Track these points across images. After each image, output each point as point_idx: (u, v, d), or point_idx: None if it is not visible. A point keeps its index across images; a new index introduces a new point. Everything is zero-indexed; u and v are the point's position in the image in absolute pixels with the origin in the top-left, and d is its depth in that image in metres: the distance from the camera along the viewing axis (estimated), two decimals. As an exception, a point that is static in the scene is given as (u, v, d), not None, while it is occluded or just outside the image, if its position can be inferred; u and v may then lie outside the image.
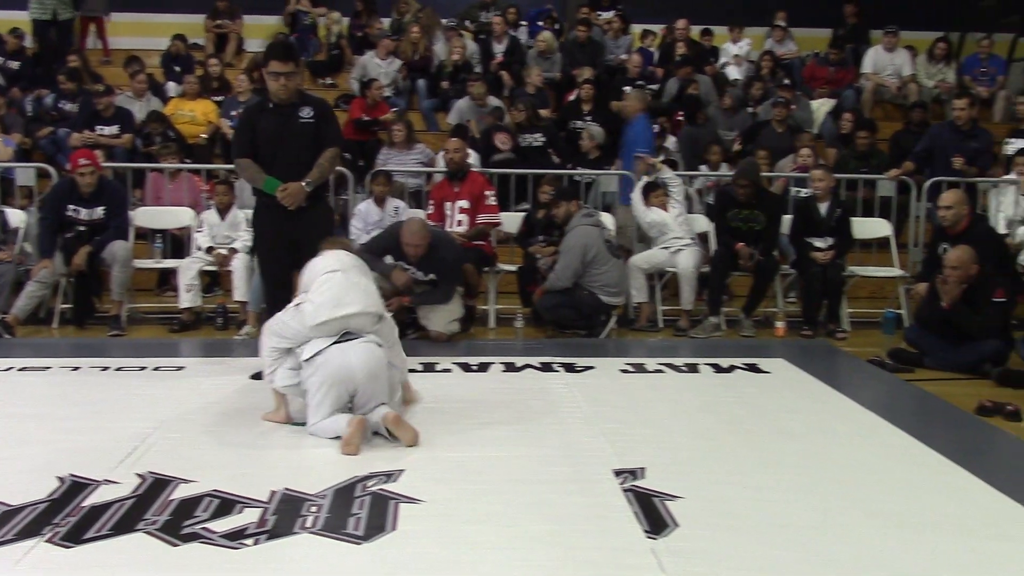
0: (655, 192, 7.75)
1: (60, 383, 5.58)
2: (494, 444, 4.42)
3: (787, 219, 7.88)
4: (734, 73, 11.95)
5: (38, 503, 3.56)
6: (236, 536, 3.31)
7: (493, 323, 7.59)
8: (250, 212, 7.52)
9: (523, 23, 12.57)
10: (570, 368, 6.01)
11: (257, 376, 5.48)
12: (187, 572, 3.05)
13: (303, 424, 4.50)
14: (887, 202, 8.59)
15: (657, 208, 7.73)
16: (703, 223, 8.23)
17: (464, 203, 7.54)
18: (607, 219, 7.90)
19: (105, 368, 5.89)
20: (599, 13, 12.55)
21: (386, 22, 12.36)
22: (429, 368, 6.00)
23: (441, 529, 3.40)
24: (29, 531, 3.32)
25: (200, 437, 4.47)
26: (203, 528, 3.37)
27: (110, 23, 12.54)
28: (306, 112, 5.51)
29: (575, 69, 11.20)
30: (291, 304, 4.61)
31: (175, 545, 3.23)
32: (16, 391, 5.39)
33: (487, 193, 7.61)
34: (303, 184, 5.40)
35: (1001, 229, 8.10)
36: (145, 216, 8.15)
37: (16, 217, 7.81)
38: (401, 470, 3.98)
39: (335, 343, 4.38)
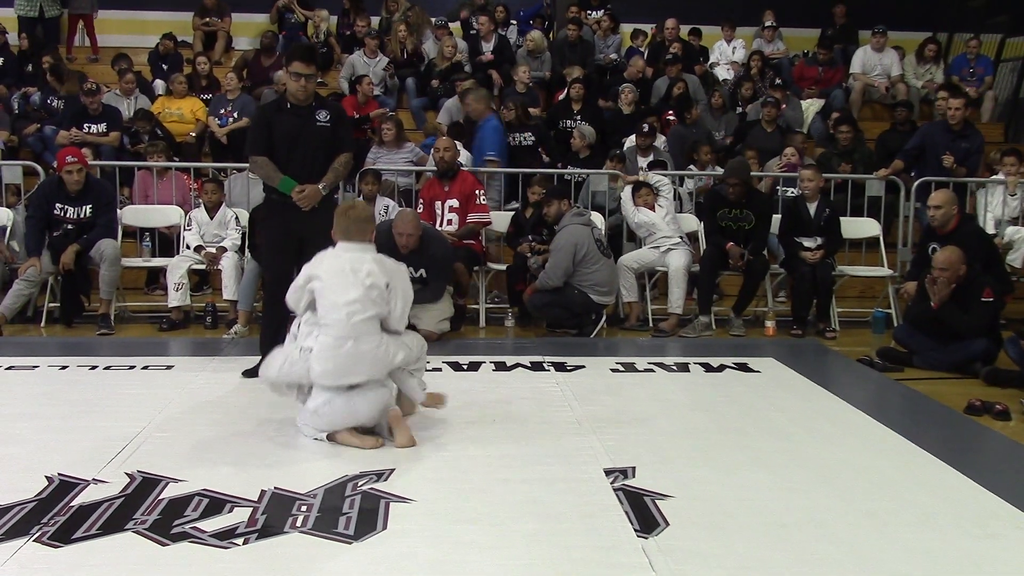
0: (641, 192, 7.76)
1: (48, 382, 5.55)
2: (484, 443, 4.41)
3: (776, 219, 7.90)
4: (724, 73, 11.97)
5: (26, 503, 3.54)
6: (226, 535, 3.30)
7: (483, 322, 7.58)
8: (239, 210, 7.54)
9: (513, 22, 12.56)
10: (561, 367, 6.01)
11: (248, 373, 5.47)
12: (177, 572, 3.03)
13: None
14: (876, 202, 8.61)
15: (645, 208, 7.73)
16: (693, 223, 8.24)
17: (454, 202, 7.53)
18: (597, 218, 7.90)
19: (94, 367, 5.86)
20: (589, 12, 12.55)
21: (375, 20, 12.33)
22: (419, 367, 5.98)
23: (431, 528, 3.39)
24: (17, 531, 3.30)
25: (189, 436, 4.45)
26: (193, 527, 3.36)
27: (98, 20, 12.47)
28: (323, 115, 5.60)
29: (565, 68, 11.21)
30: (294, 334, 4.50)
31: (164, 545, 3.22)
32: (4, 390, 5.36)
33: (477, 192, 7.60)
34: (320, 187, 5.51)
35: (990, 229, 8.14)
36: (133, 215, 8.12)
37: (3, 215, 7.77)
38: (391, 469, 3.98)
39: (341, 392, 4.30)
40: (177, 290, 7.34)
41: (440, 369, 5.95)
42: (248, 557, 3.15)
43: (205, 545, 3.23)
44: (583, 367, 6.04)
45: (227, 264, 7.28)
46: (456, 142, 8.23)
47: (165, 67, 11.38)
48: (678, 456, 4.28)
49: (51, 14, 11.80)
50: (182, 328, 7.32)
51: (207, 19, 12.28)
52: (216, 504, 3.57)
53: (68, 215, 7.21)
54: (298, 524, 3.41)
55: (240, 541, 3.26)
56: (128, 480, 3.81)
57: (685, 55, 11.41)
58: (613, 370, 6.02)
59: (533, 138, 9.43)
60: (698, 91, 10.81)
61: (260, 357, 5.50)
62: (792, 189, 8.54)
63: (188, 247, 7.57)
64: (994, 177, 8.61)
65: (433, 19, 12.14)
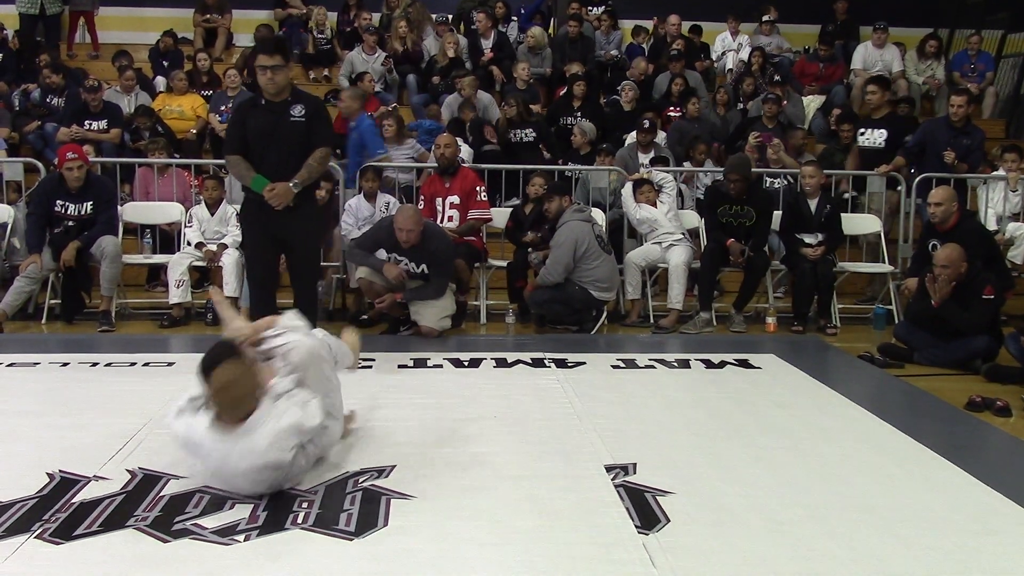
0: (643, 189, 7.76)
1: (49, 379, 5.56)
2: (485, 440, 4.41)
3: (777, 215, 7.90)
4: (730, 63, 11.95)
5: (27, 499, 3.54)
6: (227, 532, 3.30)
7: (484, 319, 7.59)
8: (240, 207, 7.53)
9: (513, 18, 12.55)
10: (561, 364, 6.01)
11: None
12: (178, 568, 3.03)
13: None
14: (877, 198, 8.60)
15: (646, 204, 7.73)
16: (694, 219, 8.23)
17: (455, 199, 7.53)
18: (598, 215, 7.90)
19: (95, 364, 5.87)
20: (589, 9, 12.55)
21: (376, 17, 12.33)
22: (420, 364, 5.99)
23: (432, 525, 3.39)
24: (19, 528, 3.31)
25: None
26: (194, 524, 3.36)
27: (99, 17, 12.47)
28: (297, 110, 5.40)
29: (565, 65, 11.20)
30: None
31: (166, 541, 3.22)
32: (5, 387, 5.36)
33: (478, 189, 7.60)
34: (290, 184, 5.31)
35: (991, 225, 8.13)
36: (134, 211, 8.13)
37: (3, 212, 7.77)
38: (392, 466, 3.98)
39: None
40: (178, 287, 7.34)
41: (441, 366, 5.95)
42: (249, 554, 3.16)
43: (206, 542, 3.23)
44: (584, 364, 6.04)
45: (228, 261, 7.28)
46: (457, 139, 8.24)
47: (166, 64, 11.39)
48: (679, 452, 4.29)
49: (52, 11, 11.80)
50: (183, 325, 7.32)
51: (208, 16, 12.27)
52: (217, 501, 3.57)
53: (69, 212, 7.21)
54: (299, 521, 3.41)
55: (241, 538, 3.27)
56: (129, 477, 3.82)
57: (687, 51, 11.40)
58: (614, 367, 6.02)
59: (534, 134, 9.44)
60: (700, 87, 10.80)
61: None
62: (776, 180, 8.57)
63: (189, 244, 7.57)
64: (995, 173, 8.60)
65: (434, 15, 12.14)
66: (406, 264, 6.68)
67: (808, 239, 7.60)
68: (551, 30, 12.49)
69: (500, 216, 8.01)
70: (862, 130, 8.91)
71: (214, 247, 7.43)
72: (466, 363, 6.04)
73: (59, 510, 3.44)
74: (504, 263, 7.77)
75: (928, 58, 11.66)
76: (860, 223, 8.35)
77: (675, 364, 6.14)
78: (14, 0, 11.69)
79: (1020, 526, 3.50)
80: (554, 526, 3.40)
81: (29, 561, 3.08)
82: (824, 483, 3.91)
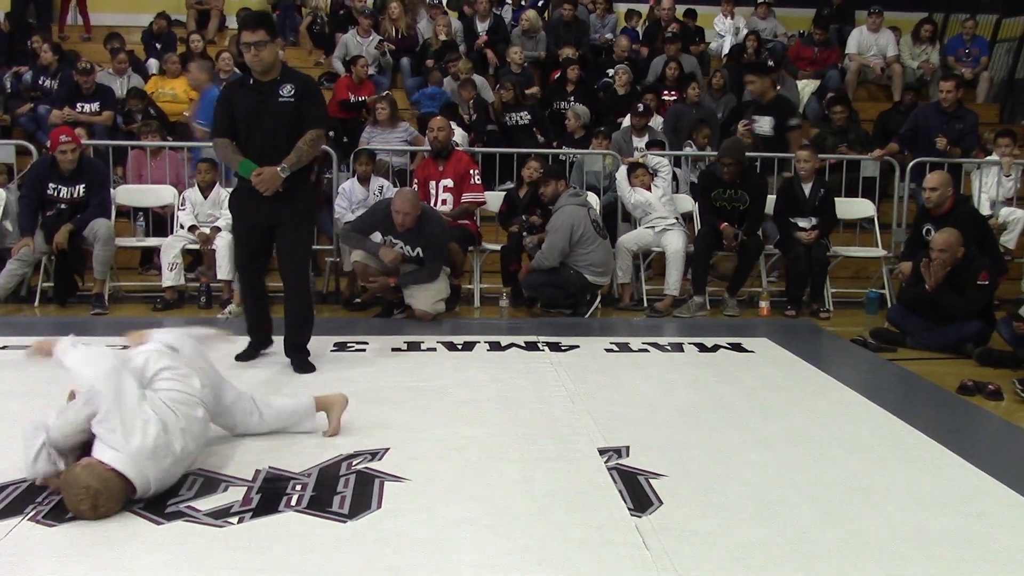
0: (638, 172, 7.75)
1: (42, 362, 5.52)
2: (479, 423, 4.42)
3: (771, 199, 7.89)
4: (727, 46, 11.92)
5: (21, 482, 3.53)
6: (221, 514, 3.31)
7: (478, 302, 7.59)
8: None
9: (508, 2, 12.50)
10: (555, 347, 6.02)
11: (241, 357, 5.47)
12: (172, 550, 3.04)
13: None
14: (871, 182, 8.61)
15: (641, 188, 7.73)
16: (688, 203, 8.23)
17: (448, 182, 7.51)
18: (593, 199, 7.90)
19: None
20: (584, -8, 12.50)
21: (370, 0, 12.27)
22: (414, 347, 5.99)
23: (425, 507, 3.40)
24: (12, 510, 3.31)
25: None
26: (187, 506, 3.36)
27: (90, -1, 12.41)
28: (287, 90, 5.12)
29: (560, 48, 11.17)
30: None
31: (159, 524, 3.22)
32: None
33: (472, 172, 7.58)
34: (278, 169, 5.06)
35: (984, 210, 8.14)
36: (127, 194, 8.10)
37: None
38: (386, 449, 3.98)
39: None
40: (171, 270, 7.32)
41: (435, 349, 5.95)
42: (243, 536, 3.16)
43: (200, 524, 3.23)
44: (577, 347, 6.04)
45: (221, 244, 7.26)
46: (451, 122, 8.22)
47: (159, 46, 11.32)
48: (672, 436, 4.30)
49: (44, -7, 11.73)
50: (176, 308, 7.31)
51: (201, -2, 12.20)
52: (211, 483, 3.57)
53: (61, 195, 7.18)
54: (293, 503, 3.42)
55: (235, 520, 3.27)
56: (123, 459, 3.81)
57: (683, 35, 11.37)
58: (607, 350, 6.03)
59: (529, 117, 9.42)
60: (696, 70, 10.77)
61: (249, 340, 5.56)
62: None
63: (182, 227, 7.55)
64: (989, 158, 8.60)
65: (427, -1, 12.11)
66: (401, 247, 6.67)
67: (802, 223, 7.61)
68: (546, 14, 12.45)
69: (494, 199, 7.99)
70: (755, 117, 8.68)
71: (207, 230, 7.41)
72: (460, 346, 6.04)
73: (52, 492, 3.44)
74: (498, 247, 7.76)
75: (923, 42, 11.64)
76: (854, 207, 8.36)
77: (668, 348, 6.15)
78: (5, -19, 11.62)
79: (1010, 508, 3.52)
80: (547, 508, 3.41)
81: (22, 543, 3.08)
82: (816, 466, 3.92)
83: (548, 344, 6.08)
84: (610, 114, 9.90)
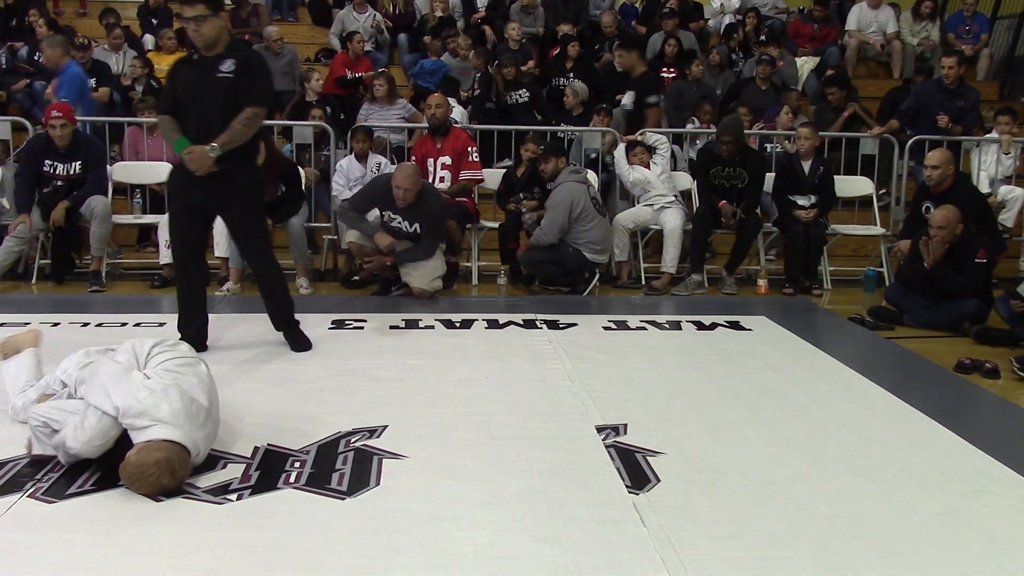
0: (636, 150, 7.73)
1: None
2: (477, 401, 4.42)
3: (770, 177, 7.89)
4: (727, 20, 11.86)
5: (20, 459, 3.54)
6: (220, 491, 3.31)
7: (476, 280, 7.58)
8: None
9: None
10: (553, 325, 6.02)
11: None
12: (171, 527, 3.04)
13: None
14: (870, 160, 8.60)
15: (639, 166, 7.71)
16: (686, 181, 8.21)
17: (446, 159, 7.48)
18: (592, 176, 7.88)
19: (85, 324, 5.86)
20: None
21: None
22: (412, 325, 5.99)
23: (423, 485, 3.41)
24: (12, 487, 3.32)
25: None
26: (187, 484, 3.36)
27: (86, -26, 12.30)
28: (227, 65, 4.85)
29: (558, 25, 11.11)
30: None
31: (158, 501, 3.22)
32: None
33: (470, 149, 7.56)
34: (207, 148, 4.78)
35: (984, 188, 8.13)
36: (123, 171, 8.07)
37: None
38: (384, 426, 3.99)
39: None
40: (168, 247, 7.28)
41: (433, 327, 5.95)
42: (241, 513, 3.17)
43: (199, 501, 3.24)
44: (576, 325, 6.05)
45: (219, 221, 7.22)
46: (449, 98, 8.18)
47: (154, 22, 11.24)
48: (670, 413, 4.31)
49: (39, -33, 11.61)
50: (174, 285, 7.27)
51: (197, -27, 12.07)
52: (209, 460, 3.56)
53: (58, 171, 7.15)
54: (291, 480, 3.43)
55: (234, 497, 3.28)
56: (121, 437, 3.81)
57: (681, 11, 11.31)
58: (605, 328, 6.03)
59: (528, 95, 9.38)
60: (694, 47, 10.72)
61: (181, 330, 5.22)
62: (779, 146, 8.55)
63: (180, 204, 7.51)
64: (988, 136, 8.58)
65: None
66: (399, 222, 6.66)
67: (801, 201, 7.60)
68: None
69: (492, 177, 7.97)
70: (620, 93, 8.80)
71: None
72: (458, 324, 6.04)
73: (52, 469, 3.44)
74: (496, 224, 7.74)
75: (923, 19, 11.59)
76: (853, 185, 8.34)
77: (666, 325, 6.16)
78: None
79: (1007, 486, 3.53)
80: (545, 486, 3.42)
81: (22, 520, 3.09)
82: (813, 444, 3.94)
83: (546, 322, 6.09)
84: (609, 91, 9.85)
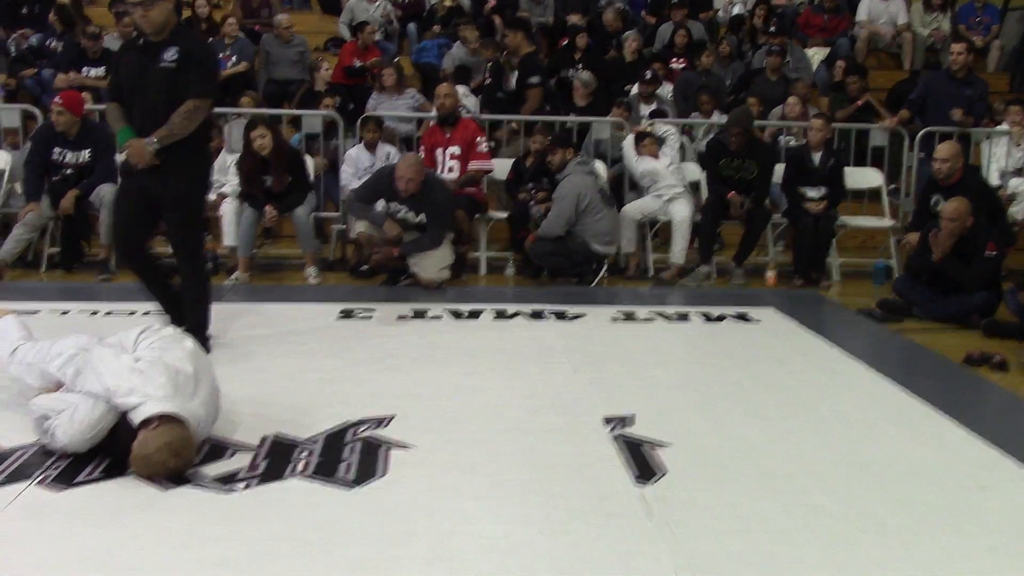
0: (645, 141, 7.71)
1: (49, 327, 5.54)
2: (484, 392, 4.43)
3: (780, 168, 7.86)
4: (737, 9, 11.80)
5: (27, 447, 3.56)
6: (227, 480, 3.33)
7: (484, 270, 7.58)
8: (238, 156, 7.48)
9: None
10: (561, 316, 6.02)
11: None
12: (178, 516, 3.06)
13: None
14: (879, 152, 8.56)
15: (648, 157, 7.69)
16: (695, 172, 8.19)
17: (455, 149, 7.48)
18: (600, 167, 7.86)
19: (94, 312, 5.88)
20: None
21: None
22: (420, 315, 6.00)
23: (430, 476, 3.42)
24: (19, 475, 3.34)
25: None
26: (194, 472, 3.38)
27: (95, -39, 12.27)
28: (170, 53, 4.63)
29: (567, 15, 11.08)
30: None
31: (166, 489, 3.24)
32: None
33: (479, 139, 7.55)
34: (145, 142, 4.64)
35: (994, 180, 8.10)
36: (133, 160, 8.06)
37: (2, 159, 7.73)
38: (392, 416, 4.00)
39: None
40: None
41: (441, 317, 5.96)
42: (249, 502, 3.19)
43: (206, 489, 3.26)
44: (583, 316, 6.05)
45: (227, 210, 7.25)
46: (458, 88, 8.16)
47: (163, 10, 11.21)
48: (677, 405, 4.31)
49: (48, -46, 11.60)
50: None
51: (207, -39, 12.06)
52: (217, 449, 3.59)
53: (67, 160, 7.16)
54: (299, 470, 3.44)
55: (241, 486, 3.29)
56: (130, 425, 3.83)
57: (691, 1, 11.26)
58: (613, 319, 6.03)
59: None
60: (704, 37, 10.68)
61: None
62: (792, 138, 8.53)
63: (188, 193, 7.52)
64: (999, 128, 8.54)
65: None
66: (405, 212, 6.66)
67: (811, 192, 7.57)
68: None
69: (501, 167, 7.97)
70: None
71: (213, 196, 7.39)
72: (466, 314, 6.05)
73: (60, 458, 3.46)
74: (504, 215, 7.74)
75: (934, 10, 11.50)
76: (862, 176, 8.31)
77: (674, 317, 6.15)
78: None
79: (1015, 481, 3.53)
80: (551, 478, 3.42)
81: (30, 508, 3.11)
82: (819, 438, 3.93)
83: (554, 313, 6.09)
84: (618, 81, 9.82)
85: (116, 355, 3.48)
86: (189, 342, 3.75)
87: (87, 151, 7.18)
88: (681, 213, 7.47)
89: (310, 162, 7.70)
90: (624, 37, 10.32)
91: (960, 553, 2.95)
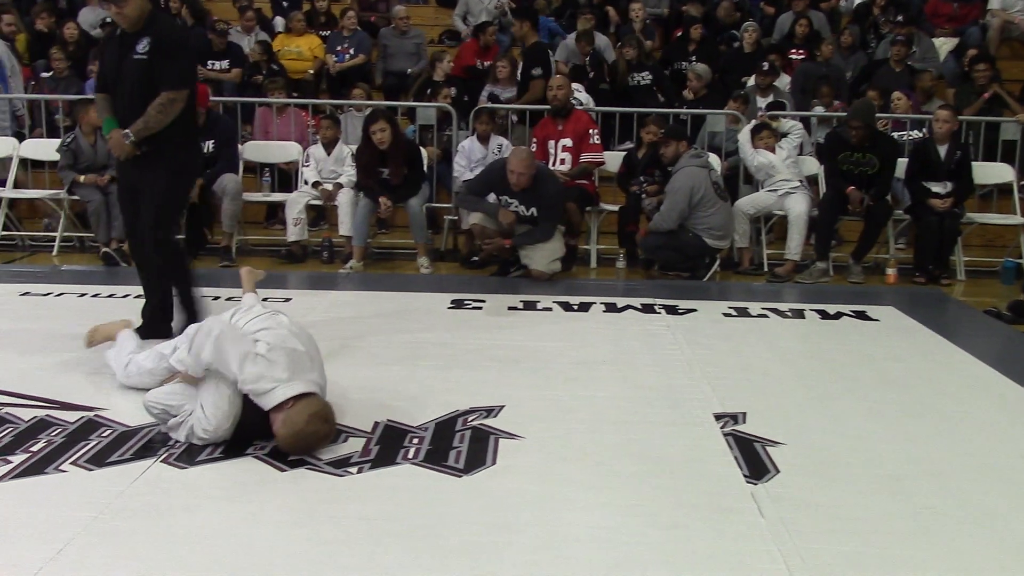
0: (763, 134, 7.56)
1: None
2: (593, 384, 4.41)
3: (902, 162, 7.60)
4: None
5: (154, 426, 3.69)
6: (341, 464, 3.40)
7: (595, 263, 7.55)
8: (355, 147, 7.62)
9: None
10: (672, 310, 5.95)
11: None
12: (293, 495, 3.14)
13: None
14: (1011, 146, 8.20)
15: (764, 150, 7.54)
16: (813, 166, 7.99)
17: (567, 141, 7.47)
18: (714, 160, 7.75)
19: (216, 298, 6.05)
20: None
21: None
22: (530, 306, 6.02)
23: (539, 466, 3.42)
24: (145, 452, 3.48)
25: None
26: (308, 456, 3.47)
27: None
28: (142, 45, 4.59)
29: (683, 6, 10.93)
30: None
31: (283, 470, 3.33)
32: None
33: (591, 132, 7.52)
34: (122, 135, 4.66)
35: None
36: (254, 150, 8.32)
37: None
38: (501, 406, 4.02)
39: None
40: (295, 225, 7.51)
41: (551, 309, 5.96)
42: (362, 485, 3.25)
43: (321, 472, 3.33)
44: (695, 311, 5.97)
45: (343, 200, 7.40)
46: (573, 83, 8.14)
47: (285, 4, 11.54)
48: (790, 403, 4.21)
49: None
50: (300, 262, 7.50)
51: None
52: (332, 433, 3.68)
53: (192, 150, 7.41)
54: (410, 456, 3.49)
55: (354, 470, 3.36)
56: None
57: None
58: (725, 315, 5.94)
59: (650, 77, 9.27)
60: (823, 28, 10.42)
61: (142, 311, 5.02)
62: (916, 132, 8.24)
63: (306, 183, 7.73)
64: None
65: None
66: (516, 206, 6.69)
67: (936, 188, 7.30)
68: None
69: (613, 160, 7.92)
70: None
71: (330, 186, 7.57)
72: (575, 307, 6.03)
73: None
74: (616, 207, 7.70)
75: (1074, -4, 10.95)
76: (992, 171, 7.98)
77: (789, 314, 6.02)
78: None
79: None
80: (660, 472, 3.39)
81: (155, 483, 3.23)
82: (941, 440, 3.79)
83: (665, 307, 6.02)
84: (734, 73, 9.66)
85: (234, 343, 3.56)
86: (282, 317, 3.84)
87: (211, 142, 7.42)
88: (797, 208, 7.30)
89: (424, 153, 7.79)
90: (744, 28, 10.12)
91: (1094, 566, 2.81)
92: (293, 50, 10.22)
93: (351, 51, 10.09)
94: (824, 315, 5.99)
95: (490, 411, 3.97)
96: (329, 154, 7.75)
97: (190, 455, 3.43)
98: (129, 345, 4.28)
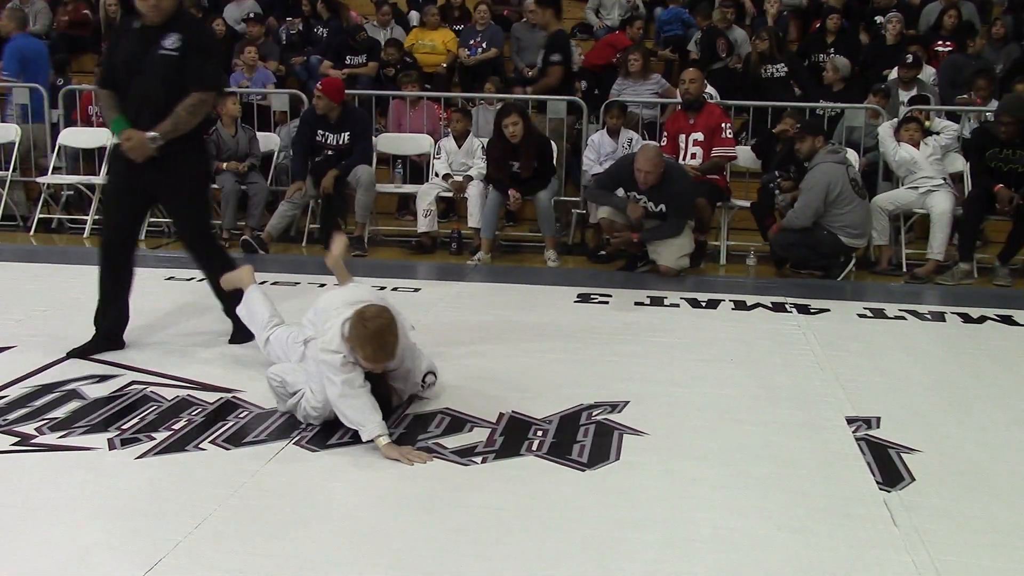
0: (909, 127, 7.27)
1: (309, 298, 5.92)
2: (721, 382, 4.35)
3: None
4: None
5: (287, 412, 3.81)
6: (466, 453, 3.45)
7: (724, 260, 7.43)
8: (485, 140, 7.69)
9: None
10: (804, 310, 5.81)
11: (76, 353, 4.60)
12: (420, 482, 3.21)
13: None
14: None
15: (907, 145, 7.26)
16: (958, 163, 7.66)
17: (699, 135, 7.36)
18: (852, 156, 7.51)
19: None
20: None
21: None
22: (657, 302, 5.96)
23: (663, 463, 3.40)
24: (280, 434, 3.61)
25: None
26: (435, 443, 3.53)
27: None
28: (171, 40, 4.32)
29: (823, -3, 10.63)
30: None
31: (412, 463, 3.36)
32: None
33: (724, 125, 7.39)
34: (147, 137, 4.32)
35: None
36: (387, 142, 8.50)
37: (274, 140, 8.36)
38: (626, 402, 4.00)
39: None
40: (425, 216, 7.63)
41: (678, 305, 5.89)
42: (486, 475, 3.29)
43: (446, 460, 3.39)
44: (828, 311, 5.80)
45: (473, 192, 7.48)
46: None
47: (420, -1, 11.72)
48: (928, 409, 4.06)
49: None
50: (429, 253, 7.62)
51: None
52: (457, 423, 3.73)
53: (328, 142, 7.62)
54: (534, 448, 3.51)
55: (479, 459, 3.40)
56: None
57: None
58: (860, 315, 5.75)
59: (785, 70, 9.05)
60: (974, 18, 9.96)
61: (96, 320, 4.72)
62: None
63: (437, 175, 7.84)
64: None
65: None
66: (644, 202, 6.63)
67: (1096, 185, 6.91)
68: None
69: (745, 154, 7.77)
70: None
71: (460, 178, 7.66)
72: (704, 303, 5.95)
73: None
74: (747, 203, 7.55)
75: None
76: None
77: (928, 316, 5.79)
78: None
79: None
80: (789, 474, 3.32)
81: (288, 463, 3.36)
82: (1093, 454, 3.59)
83: (796, 306, 5.88)
84: (875, 66, 9.33)
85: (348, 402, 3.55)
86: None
87: (347, 134, 7.61)
88: (941, 206, 7.01)
89: (554, 147, 7.80)
90: (887, 18, 9.76)
91: None
92: (427, 44, 10.37)
93: (483, 44, 10.18)
94: (966, 319, 5.74)
95: (614, 406, 3.95)
96: (460, 147, 7.84)
97: (321, 439, 3.54)
98: (262, 314, 4.42)
